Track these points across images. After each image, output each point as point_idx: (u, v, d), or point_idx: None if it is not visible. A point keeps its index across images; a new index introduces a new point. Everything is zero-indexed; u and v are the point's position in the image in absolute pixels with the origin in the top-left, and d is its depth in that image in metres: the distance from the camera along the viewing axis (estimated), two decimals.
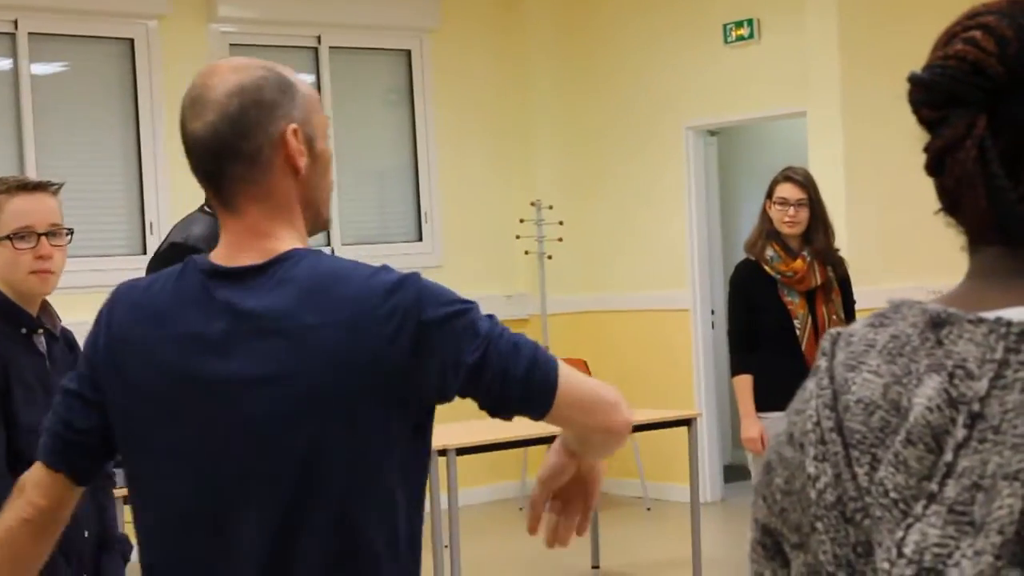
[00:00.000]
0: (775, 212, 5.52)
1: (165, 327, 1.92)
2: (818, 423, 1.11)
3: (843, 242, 5.97)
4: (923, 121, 1.09)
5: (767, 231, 5.56)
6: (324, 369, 1.83)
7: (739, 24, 8.17)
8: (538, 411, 1.92)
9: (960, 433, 1.01)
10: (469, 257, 8.99)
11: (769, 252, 5.53)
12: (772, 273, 5.50)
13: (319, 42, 8.57)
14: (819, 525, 1.08)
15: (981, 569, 0.97)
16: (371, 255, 8.68)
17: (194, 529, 1.91)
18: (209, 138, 1.89)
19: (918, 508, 1.01)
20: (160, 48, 7.96)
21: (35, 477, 2.02)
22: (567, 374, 1.94)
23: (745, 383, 5.43)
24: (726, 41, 8.28)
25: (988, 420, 1.00)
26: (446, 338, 1.85)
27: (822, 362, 1.15)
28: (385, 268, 1.92)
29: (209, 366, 1.87)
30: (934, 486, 1.01)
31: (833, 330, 1.18)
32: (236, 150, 1.89)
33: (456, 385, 1.89)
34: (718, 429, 8.82)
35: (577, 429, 1.99)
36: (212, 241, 3.69)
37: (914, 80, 1.08)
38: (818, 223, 5.54)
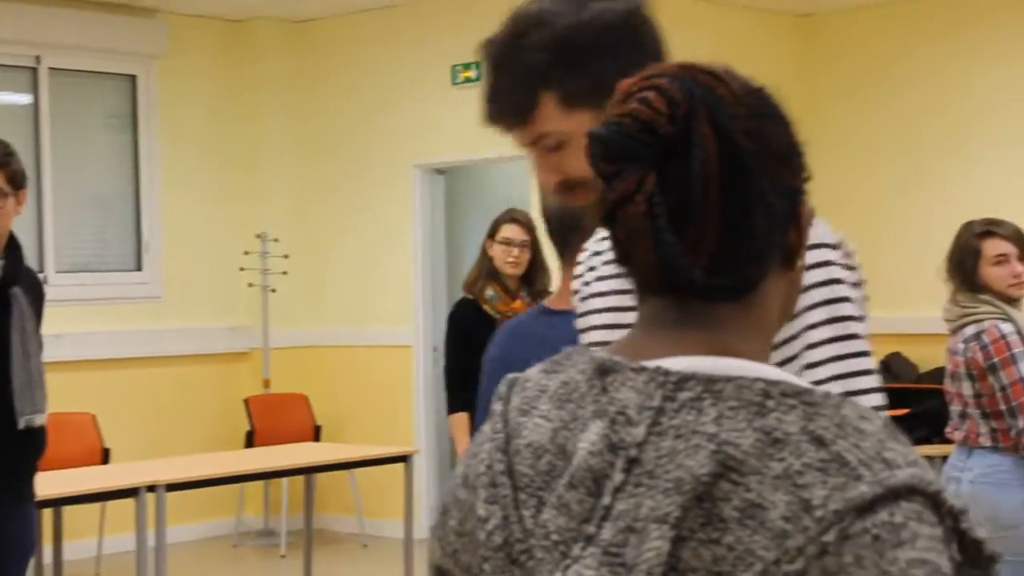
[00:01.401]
0: (498, 251, 5.59)
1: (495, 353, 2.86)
2: (490, 466, 1.14)
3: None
4: (600, 175, 1.13)
5: (487, 270, 5.64)
6: None
7: (467, 66, 8.29)
8: None
9: (618, 477, 1.05)
10: (190, 288, 8.83)
11: (489, 292, 5.60)
12: (491, 312, 5.57)
13: (38, 62, 8.30)
14: (486, 566, 1.11)
15: None
16: (88, 283, 8.42)
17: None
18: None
19: (576, 550, 1.05)
20: None
21: None
22: None
23: (461, 421, 5.47)
24: (454, 82, 8.40)
25: (644, 465, 1.04)
26: None
27: (498, 406, 1.18)
28: None
29: None
30: (592, 528, 1.04)
31: (510, 375, 1.21)
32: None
33: None
34: (436, 466, 8.87)
35: None
36: None
37: (592, 136, 1.13)
38: (538, 265, 5.65)
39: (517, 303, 5.55)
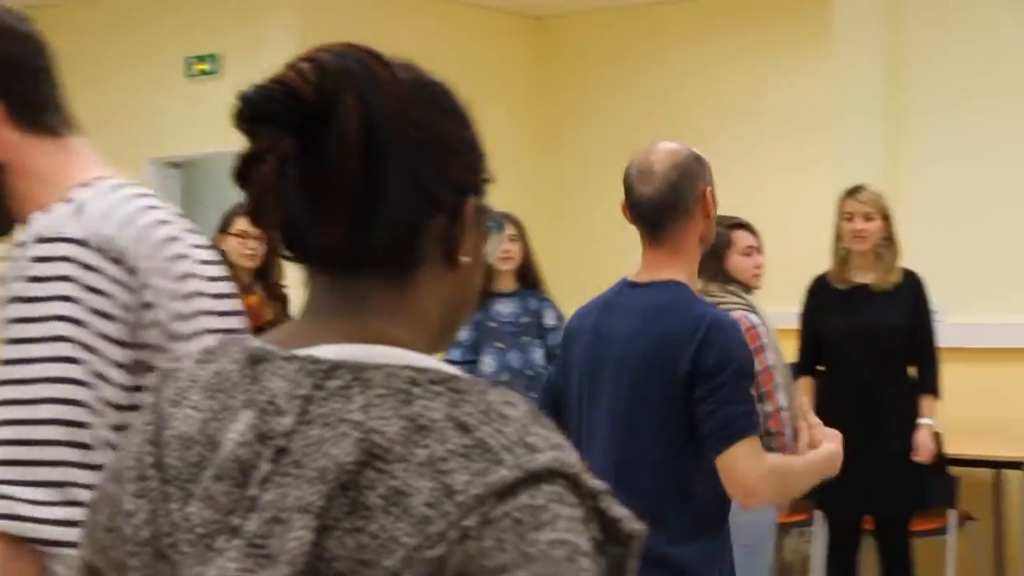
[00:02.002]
0: (233, 244, 5.49)
1: (587, 323, 2.91)
2: (139, 459, 1.11)
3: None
4: (244, 135, 1.13)
5: None
6: (641, 364, 2.74)
7: (201, 59, 8.13)
8: (710, 454, 2.71)
9: (265, 467, 1.04)
10: None
11: None
12: None
13: None
14: (134, 562, 1.09)
15: None
16: None
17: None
18: (656, 198, 2.77)
19: (220, 542, 1.03)
20: None
21: None
22: (742, 454, 2.67)
23: None
24: (188, 74, 8.23)
25: (292, 455, 1.03)
26: (711, 368, 2.68)
27: (149, 398, 1.15)
28: (708, 305, 2.81)
29: (615, 349, 2.80)
30: (237, 520, 1.03)
31: (164, 367, 1.18)
32: (674, 206, 2.77)
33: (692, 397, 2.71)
34: None
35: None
36: None
37: (239, 96, 1.12)
38: (274, 259, 5.58)
39: (252, 298, 5.45)
